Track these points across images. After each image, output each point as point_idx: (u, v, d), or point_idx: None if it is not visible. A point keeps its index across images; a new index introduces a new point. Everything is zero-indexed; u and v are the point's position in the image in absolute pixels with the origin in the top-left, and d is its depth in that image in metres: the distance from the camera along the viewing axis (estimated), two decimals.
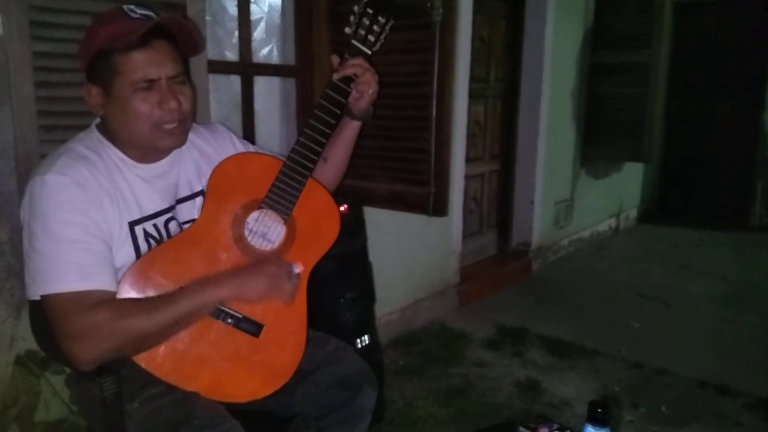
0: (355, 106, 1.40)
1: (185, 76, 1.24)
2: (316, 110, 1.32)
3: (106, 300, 1.11)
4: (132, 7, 1.19)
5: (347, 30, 1.35)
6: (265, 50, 2.57)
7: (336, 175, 1.52)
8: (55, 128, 1.58)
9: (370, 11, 1.33)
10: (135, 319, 1.10)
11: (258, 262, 1.24)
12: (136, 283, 1.17)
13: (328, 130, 1.32)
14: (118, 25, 1.15)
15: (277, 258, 1.27)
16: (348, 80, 1.34)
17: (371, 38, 1.35)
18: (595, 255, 4.83)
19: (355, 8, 1.34)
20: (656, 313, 3.53)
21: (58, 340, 1.11)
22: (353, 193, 2.19)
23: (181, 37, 1.23)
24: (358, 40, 1.35)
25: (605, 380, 2.69)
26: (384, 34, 1.37)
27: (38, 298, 1.12)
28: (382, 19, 1.35)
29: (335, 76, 1.34)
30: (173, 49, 1.21)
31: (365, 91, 1.38)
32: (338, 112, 1.34)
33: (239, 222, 1.27)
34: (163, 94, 1.18)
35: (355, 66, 1.34)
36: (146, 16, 1.19)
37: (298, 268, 1.28)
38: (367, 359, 1.44)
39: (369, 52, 1.36)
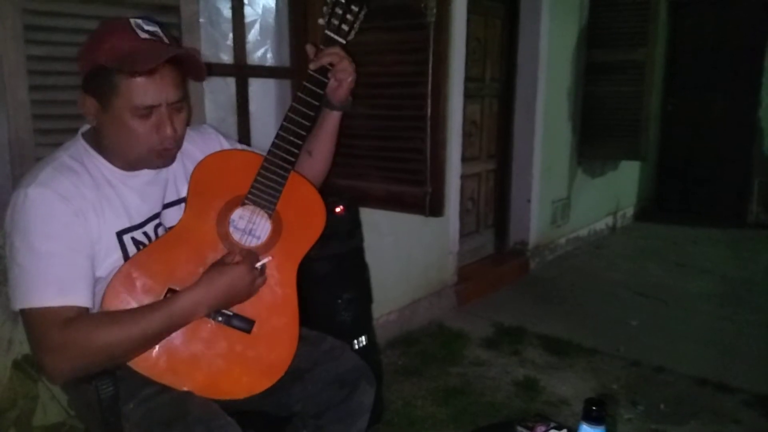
0: (334, 96, 1.39)
1: (184, 101, 1.23)
2: (294, 103, 1.32)
3: (80, 315, 1.10)
4: (140, 22, 1.17)
5: (320, 21, 1.34)
6: (260, 52, 2.57)
7: (323, 168, 1.51)
8: (51, 131, 1.58)
9: (342, 0, 1.32)
10: (108, 336, 1.10)
11: (225, 265, 1.21)
12: (123, 285, 1.17)
13: (307, 123, 1.31)
14: (125, 44, 1.13)
15: (244, 256, 1.24)
16: (324, 70, 1.33)
17: (345, 27, 1.34)
18: (592, 253, 4.84)
19: None
20: (654, 311, 3.54)
21: (34, 352, 1.12)
22: (349, 194, 2.19)
23: (189, 66, 1.22)
24: (331, 30, 1.34)
25: (603, 378, 2.70)
26: (358, 23, 1.35)
27: (17, 309, 1.12)
28: (355, 8, 1.33)
29: (311, 66, 1.33)
30: (177, 74, 1.19)
31: (343, 79, 1.36)
32: (316, 103, 1.33)
33: (224, 219, 1.26)
34: (161, 119, 1.18)
35: (330, 55, 1.32)
36: (154, 34, 1.17)
37: (265, 259, 1.27)
38: (365, 360, 1.44)
39: (343, 41, 1.35)
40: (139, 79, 1.13)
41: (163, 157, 1.24)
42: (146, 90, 1.14)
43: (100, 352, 1.10)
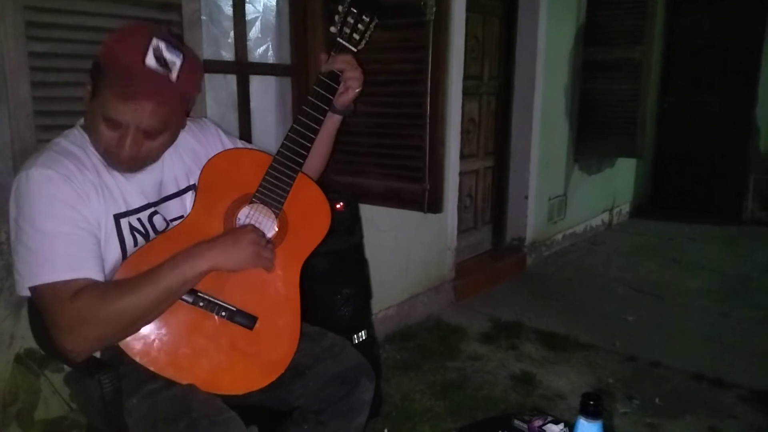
0: (338, 101, 1.42)
1: (164, 132, 1.20)
2: (304, 106, 1.35)
3: (89, 286, 1.10)
4: (161, 45, 1.13)
5: (332, 29, 1.38)
6: (261, 49, 2.58)
7: (317, 169, 1.54)
8: (52, 128, 1.57)
9: (355, 10, 1.36)
10: (120, 301, 1.09)
11: (234, 230, 1.23)
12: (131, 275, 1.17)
13: (316, 126, 1.35)
14: (127, 58, 1.11)
15: (251, 226, 1.26)
16: (335, 76, 1.37)
17: (356, 36, 1.38)
18: (589, 249, 4.86)
19: (340, 8, 1.37)
20: (650, 307, 3.56)
21: (50, 332, 1.10)
22: (349, 191, 2.21)
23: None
24: (343, 39, 1.38)
25: (599, 373, 2.72)
26: (369, 33, 1.39)
27: (27, 292, 1.12)
28: (366, 18, 1.37)
29: (322, 69, 1.37)
30: (163, 109, 1.16)
31: (351, 86, 1.40)
32: (326, 107, 1.36)
33: (231, 217, 1.28)
34: (125, 136, 1.16)
35: (342, 62, 1.36)
36: (165, 66, 1.13)
37: (270, 232, 1.30)
38: (364, 354, 1.46)
39: (354, 49, 1.39)
40: (118, 96, 1.12)
41: (122, 164, 1.21)
42: (119, 108, 1.12)
43: (114, 321, 1.10)
